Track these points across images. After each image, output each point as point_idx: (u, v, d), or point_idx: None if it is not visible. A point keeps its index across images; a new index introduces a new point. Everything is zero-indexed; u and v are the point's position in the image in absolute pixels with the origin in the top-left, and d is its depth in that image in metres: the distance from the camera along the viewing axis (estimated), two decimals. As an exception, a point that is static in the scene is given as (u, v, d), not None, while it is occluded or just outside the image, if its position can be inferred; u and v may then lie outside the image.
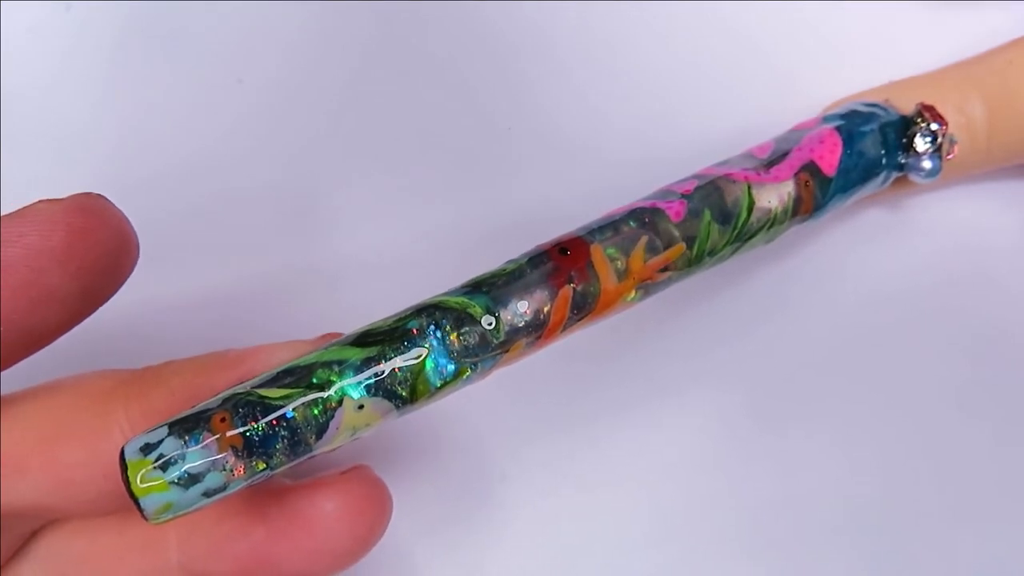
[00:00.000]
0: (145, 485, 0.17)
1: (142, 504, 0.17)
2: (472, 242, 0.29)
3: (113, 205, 0.20)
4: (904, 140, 0.26)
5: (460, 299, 0.19)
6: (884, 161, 0.25)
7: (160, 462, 0.17)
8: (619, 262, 0.20)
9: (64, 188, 0.28)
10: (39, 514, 0.21)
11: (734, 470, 0.28)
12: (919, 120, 0.26)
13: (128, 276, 0.21)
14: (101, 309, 0.21)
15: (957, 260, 0.29)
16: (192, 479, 0.17)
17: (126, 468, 0.17)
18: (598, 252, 0.20)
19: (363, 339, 0.18)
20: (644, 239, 0.20)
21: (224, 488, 0.17)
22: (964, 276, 0.29)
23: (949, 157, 0.26)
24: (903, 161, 0.26)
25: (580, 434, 0.28)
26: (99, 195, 0.20)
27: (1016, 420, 0.28)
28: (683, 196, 0.21)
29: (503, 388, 0.28)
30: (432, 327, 0.18)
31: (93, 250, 0.20)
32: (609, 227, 0.20)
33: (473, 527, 0.28)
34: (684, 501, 0.28)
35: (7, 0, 0.30)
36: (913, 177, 0.26)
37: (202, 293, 0.28)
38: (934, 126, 0.25)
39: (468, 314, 0.18)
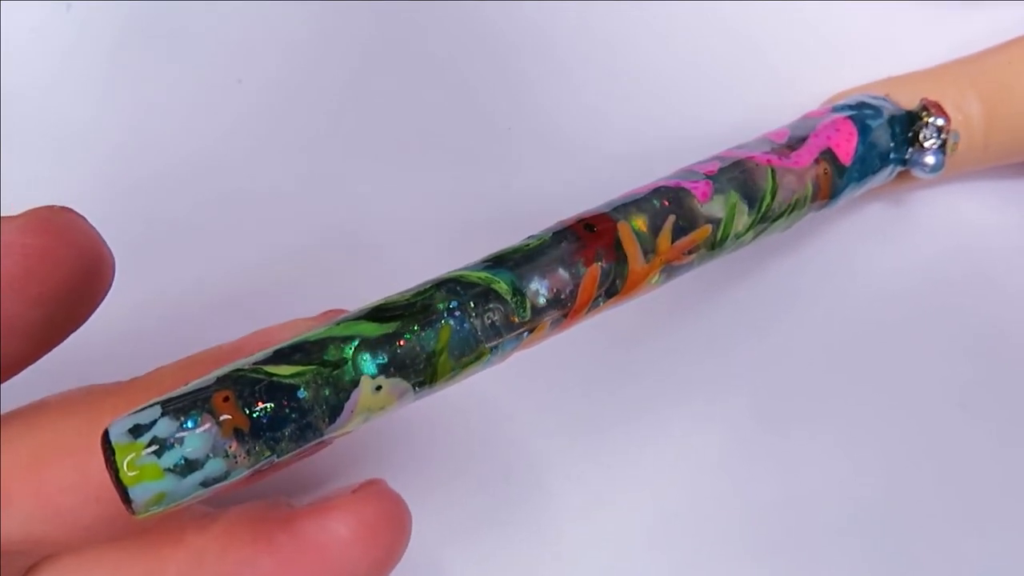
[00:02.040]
0: (134, 472, 0.14)
1: (131, 494, 0.14)
2: (474, 241, 0.26)
3: (81, 219, 0.17)
4: (909, 135, 0.24)
5: (483, 274, 0.16)
6: (892, 155, 0.23)
7: (154, 446, 0.14)
8: (647, 241, 0.18)
9: (64, 188, 0.27)
10: (30, 549, 0.18)
11: (737, 471, 0.26)
12: (924, 115, 0.24)
13: (103, 298, 0.18)
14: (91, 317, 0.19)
15: (959, 258, 0.27)
16: (190, 466, 0.14)
17: (112, 452, 0.14)
18: (626, 230, 0.17)
19: (379, 313, 0.15)
20: (672, 218, 0.18)
21: (225, 477, 0.14)
22: (966, 274, 0.27)
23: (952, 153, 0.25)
24: (907, 156, 0.24)
25: (584, 435, 0.27)
26: (63, 208, 0.17)
27: (1019, 420, 0.27)
28: (708, 176, 0.19)
29: (507, 389, 0.26)
30: (454, 303, 0.16)
31: (55, 274, 0.17)
32: (634, 205, 0.18)
33: (475, 528, 0.26)
34: (689, 502, 0.26)
35: (7, 0, 0.28)
36: (916, 172, 0.24)
37: (200, 294, 0.26)
38: (939, 121, 0.24)
39: (493, 290, 0.16)
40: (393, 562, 0.18)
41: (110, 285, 0.18)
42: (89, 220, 0.18)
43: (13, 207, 0.17)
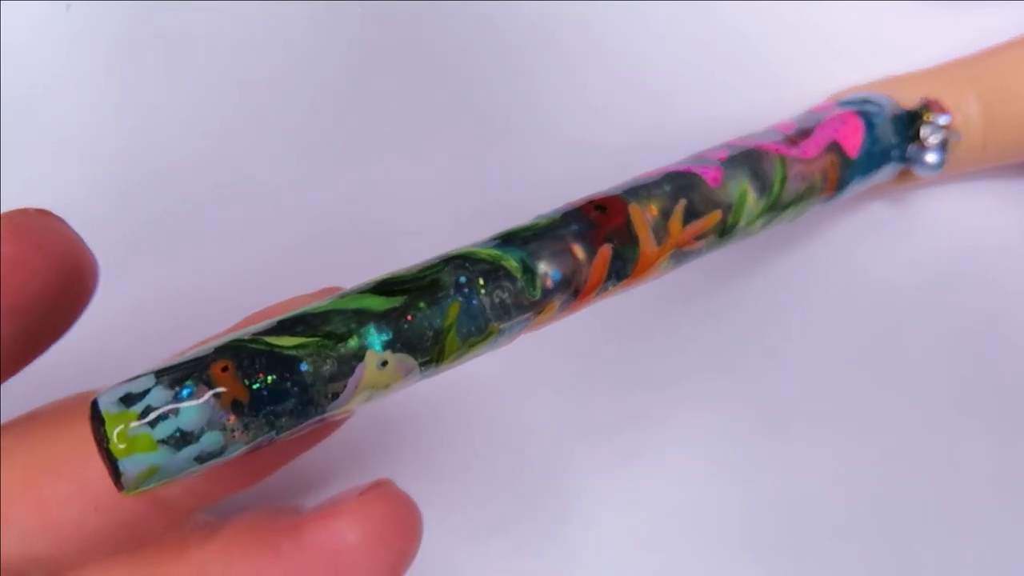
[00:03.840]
0: (124, 444, 0.12)
1: (121, 468, 0.13)
2: (479, 235, 0.26)
3: (58, 223, 0.16)
4: (910, 133, 0.24)
5: (492, 251, 0.15)
6: (894, 151, 0.23)
7: (148, 416, 0.13)
8: (658, 224, 0.17)
9: (63, 188, 0.26)
10: (30, 569, 0.17)
11: (739, 470, 0.26)
12: (925, 114, 0.24)
13: (84, 307, 0.17)
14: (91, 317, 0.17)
15: (958, 257, 0.27)
16: (185, 438, 0.13)
17: (102, 423, 0.13)
18: (637, 212, 0.17)
19: (385, 287, 0.14)
20: (683, 203, 0.17)
21: (221, 452, 0.13)
22: (965, 273, 0.27)
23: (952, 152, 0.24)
24: (908, 154, 0.24)
25: (583, 435, 0.26)
26: (40, 211, 0.16)
27: (1018, 419, 0.26)
28: (719, 163, 0.18)
29: (509, 389, 0.26)
30: (463, 279, 0.15)
31: (29, 284, 0.15)
32: (644, 188, 0.17)
33: (474, 527, 0.25)
34: (690, 502, 0.26)
35: (7, 0, 0.27)
36: (917, 170, 0.24)
37: (201, 295, 0.25)
38: (941, 120, 0.23)
39: (503, 267, 0.15)
40: (405, 566, 0.17)
41: (92, 293, 0.17)
42: (88, 220, 0.17)
43: (12, 207, 0.16)
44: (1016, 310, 0.27)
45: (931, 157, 0.24)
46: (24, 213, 0.15)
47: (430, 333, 0.14)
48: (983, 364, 0.27)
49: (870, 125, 0.22)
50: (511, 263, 0.15)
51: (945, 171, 0.24)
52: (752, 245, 0.26)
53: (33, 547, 0.16)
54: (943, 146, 0.24)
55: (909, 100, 0.24)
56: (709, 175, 0.18)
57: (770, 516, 0.26)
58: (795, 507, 0.26)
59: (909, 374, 0.26)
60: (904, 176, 0.25)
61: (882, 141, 0.22)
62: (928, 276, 0.27)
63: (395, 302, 0.14)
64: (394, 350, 0.14)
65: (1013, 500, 0.26)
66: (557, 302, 0.16)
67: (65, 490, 0.16)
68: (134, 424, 0.13)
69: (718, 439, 0.26)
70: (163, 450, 0.13)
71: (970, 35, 0.26)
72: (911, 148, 0.24)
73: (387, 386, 0.14)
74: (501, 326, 0.15)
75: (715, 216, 0.18)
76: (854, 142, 0.21)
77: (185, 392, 0.13)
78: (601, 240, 0.16)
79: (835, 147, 0.21)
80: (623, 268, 0.16)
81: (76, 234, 0.16)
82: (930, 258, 0.27)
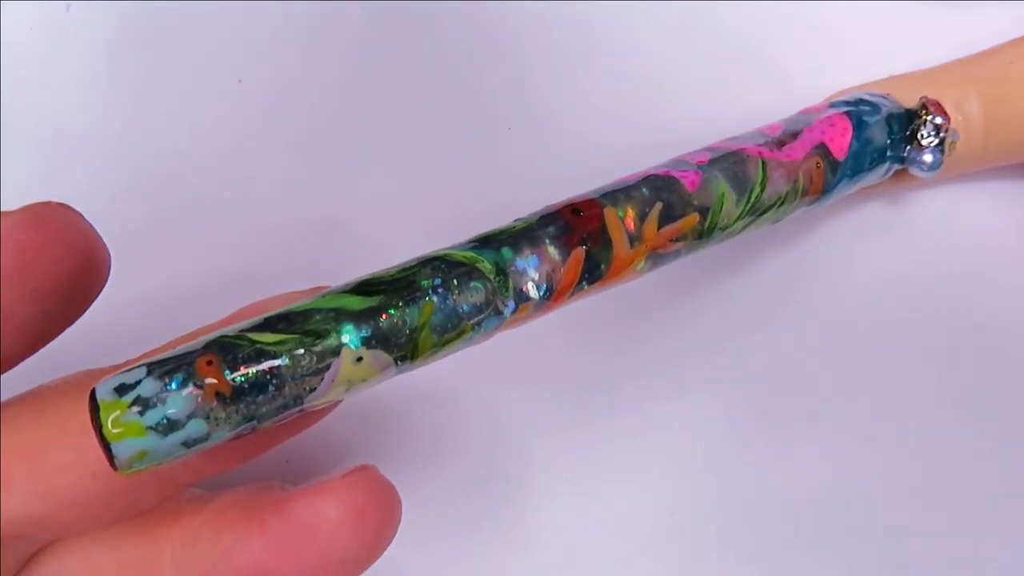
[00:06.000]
0: (118, 429, 0.14)
1: (114, 451, 0.14)
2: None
3: (76, 215, 0.18)
4: (907, 133, 0.24)
5: (468, 253, 0.17)
6: (888, 152, 0.24)
7: (138, 405, 0.14)
8: (632, 228, 0.18)
9: (63, 187, 0.27)
10: (31, 532, 0.19)
11: (732, 470, 0.27)
12: (923, 113, 0.24)
13: (97, 294, 0.19)
14: (91, 311, 0.19)
15: (956, 258, 0.28)
16: (171, 426, 0.14)
17: (97, 410, 0.15)
18: (612, 216, 0.18)
19: (364, 288, 0.16)
20: (659, 206, 0.18)
21: (206, 439, 0.15)
22: (963, 274, 0.28)
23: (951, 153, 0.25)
24: (904, 154, 0.24)
25: (580, 434, 0.27)
26: (60, 205, 0.18)
27: (1016, 419, 0.27)
28: (698, 166, 0.19)
29: (504, 387, 0.27)
30: (438, 280, 0.16)
31: (50, 270, 0.17)
32: (622, 192, 0.19)
33: (473, 528, 0.26)
34: (683, 501, 0.27)
35: (7, 0, 0.29)
36: (913, 170, 0.25)
37: (198, 292, 0.27)
38: (938, 120, 0.24)
39: (476, 269, 0.16)
40: (382, 546, 0.18)
41: (105, 281, 0.19)
42: (87, 218, 0.18)
43: (12, 205, 0.18)
44: (1014, 310, 0.27)
45: (928, 157, 0.24)
46: (47, 205, 0.17)
47: (405, 331, 0.16)
48: (981, 364, 0.27)
49: (860, 126, 0.23)
50: (485, 265, 0.17)
51: (945, 171, 0.25)
52: (748, 245, 0.28)
53: (34, 510, 0.18)
54: (940, 147, 0.24)
55: (909, 100, 0.25)
56: (687, 179, 0.19)
57: (764, 516, 0.27)
58: (790, 507, 0.27)
59: (907, 374, 0.27)
60: (902, 176, 0.25)
61: (874, 142, 0.23)
62: (926, 276, 0.28)
63: (372, 302, 0.16)
64: (369, 347, 0.16)
65: (1012, 500, 0.27)
66: (531, 303, 0.17)
67: (66, 457, 0.17)
68: (125, 411, 0.14)
69: (713, 438, 0.27)
70: (151, 436, 0.14)
71: (970, 35, 0.27)
72: (908, 149, 0.24)
73: (364, 380, 0.16)
74: (474, 325, 0.16)
75: (692, 219, 0.19)
76: (841, 144, 0.22)
77: (173, 384, 0.14)
78: (575, 243, 0.17)
79: (821, 149, 0.22)
80: (596, 270, 0.18)
81: (92, 227, 0.18)
82: (928, 258, 0.28)
